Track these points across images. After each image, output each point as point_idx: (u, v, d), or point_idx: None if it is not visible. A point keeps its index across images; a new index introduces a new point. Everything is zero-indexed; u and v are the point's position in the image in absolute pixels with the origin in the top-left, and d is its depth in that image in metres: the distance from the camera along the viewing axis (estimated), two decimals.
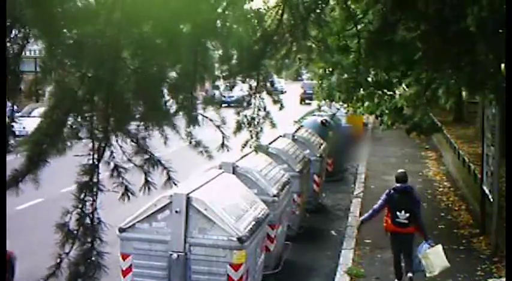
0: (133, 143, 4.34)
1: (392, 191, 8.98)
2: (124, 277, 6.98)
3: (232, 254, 6.65)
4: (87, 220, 4.20)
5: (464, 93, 10.00)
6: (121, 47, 4.05)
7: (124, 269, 6.96)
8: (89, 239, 4.20)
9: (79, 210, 4.17)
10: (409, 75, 10.74)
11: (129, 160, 4.30)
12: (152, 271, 6.85)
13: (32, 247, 9.88)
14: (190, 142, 4.75)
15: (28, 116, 21.10)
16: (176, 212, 6.73)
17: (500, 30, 6.60)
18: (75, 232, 4.16)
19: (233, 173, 8.74)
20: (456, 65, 7.55)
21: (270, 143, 11.31)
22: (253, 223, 7.21)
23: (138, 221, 6.87)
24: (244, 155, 9.40)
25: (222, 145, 5.03)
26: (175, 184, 4.58)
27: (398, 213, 8.76)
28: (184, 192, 6.86)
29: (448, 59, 7.27)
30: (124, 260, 6.95)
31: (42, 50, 3.84)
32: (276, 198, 8.82)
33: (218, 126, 4.83)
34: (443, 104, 11.14)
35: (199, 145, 4.76)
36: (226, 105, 6.87)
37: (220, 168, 8.72)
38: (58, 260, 4.15)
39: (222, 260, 6.67)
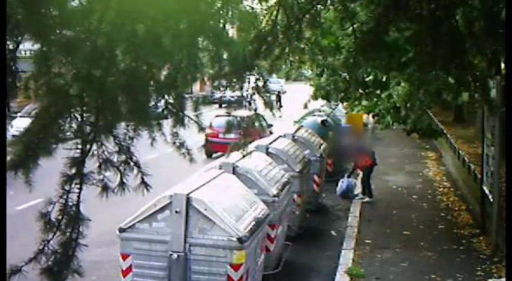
0: (116, 143, 4.37)
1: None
2: (124, 277, 6.98)
3: (232, 255, 6.65)
4: (70, 212, 4.26)
5: (448, 96, 9.99)
6: (114, 45, 4.05)
7: (124, 269, 6.96)
8: (69, 230, 4.26)
9: (63, 201, 4.22)
10: (402, 75, 10.74)
11: (108, 159, 4.34)
12: (152, 271, 6.85)
13: (32, 247, 9.86)
14: (174, 143, 4.76)
15: (28, 116, 21.07)
16: (176, 212, 6.73)
17: (490, 31, 6.62)
18: (57, 222, 4.22)
19: (233, 173, 8.73)
20: (445, 67, 7.57)
21: (270, 143, 11.32)
22: (253, 223, 7.21)
23: (138, 221, 6.87)
24: (245, 155, 9.39)
25: (204, 146, 5.00)
26: (148, 189, 4.60)
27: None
28: (184, 192, 6.87)
29: (438, 60, 7.28)
30: (124, 260, 6.95)
31: (36, 49, 3.85)
32: (276, 198, 8.82)
33: (202, 129, 4.83)
34: (425, 104, 11.13)
35: (183, 146, 4.77)
36: (225, 105, 6.87)
37: (220, 168, 8.72)
38: (41, 246, 4.22)
39: (222, 260, 6.67)
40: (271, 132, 18.51)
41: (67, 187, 4.24)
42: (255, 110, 5.89)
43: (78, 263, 4.39)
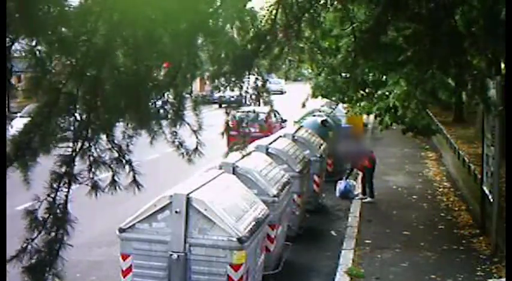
0: (109, 141, 4.35)
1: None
2: (124, 277, 6.98)
3: (232, 255, 6.65)
4: (57, 211, 4.22)
5: (443, 95, 9.98)
6: (113, 46, 4.05)
7: (124, 269, 6.96)
8: (55, 230, 4.22)
9: (50, 199, 4.19)
10: (399, 74, 10.72)
11: (99, 157, 4.31)
12: (152, 271, 6.85)
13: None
14: (173, 142, 4.74)
15: (29, 116, 21.03)
16: (176, 212, 6.73)
17: (490, 31, 6.62)
18: (43, 220, 4.18)
19: (233, 173, 8.73)
20: (443, 66, 7.57)
21: (270, 143, 11.32)
22: (253, 223, 7.21)
23: (138, 222, 6.87)
24: (245, 155, 9.39)
25: (196, 150, 4.96)
26: (139, 188, 4.57)
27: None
28: (184, 192, 6.87)
29: (436, 59, 7.28)
30: (124, 260, 6.96)
31: (33, 48, 3.83)
32: (276, 198, 8.82)
33: (194, 132, 4.80)
34: (421, 102, 11.14)
35: (182, 146, 4.75)
36: (226, 105, 6.87)
37: (220, 168, 8.72)
38: (24, 244, 4.18)
39: (222, 260, 6.67)
40: (282, 128, 19.09)
41: (55, 185, 4.20)
42: (254, 111, 5.90)
43: (62, 264, 4.33)
